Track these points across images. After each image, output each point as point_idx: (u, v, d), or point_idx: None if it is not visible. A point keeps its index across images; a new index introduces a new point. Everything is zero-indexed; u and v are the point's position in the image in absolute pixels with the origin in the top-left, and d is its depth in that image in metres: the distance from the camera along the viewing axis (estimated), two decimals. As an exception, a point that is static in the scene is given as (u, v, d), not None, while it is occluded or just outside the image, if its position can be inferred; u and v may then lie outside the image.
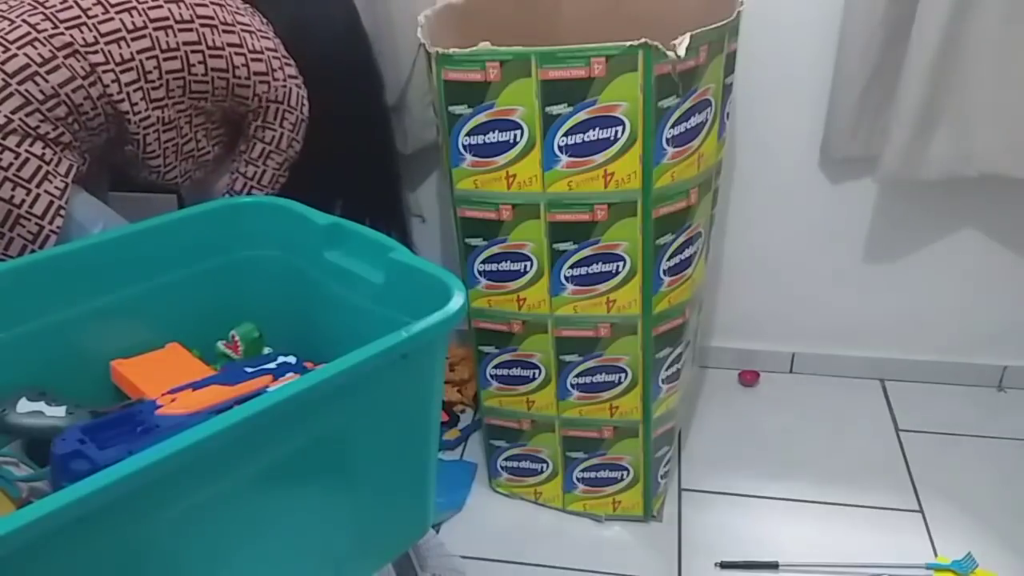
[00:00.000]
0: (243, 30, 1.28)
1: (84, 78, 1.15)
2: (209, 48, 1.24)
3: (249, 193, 1.37)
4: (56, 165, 1.15)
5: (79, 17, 1.15)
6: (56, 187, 1.14)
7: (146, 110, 1.22)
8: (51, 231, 1.14)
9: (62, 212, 1.15)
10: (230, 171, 1.38)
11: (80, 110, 1.16)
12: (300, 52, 1.37)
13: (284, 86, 1.32)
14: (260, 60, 1.29)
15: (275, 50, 1.32)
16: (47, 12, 1.14)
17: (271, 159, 1.36)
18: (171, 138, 1.28)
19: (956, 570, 1.42)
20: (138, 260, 1.10)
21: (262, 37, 1.31)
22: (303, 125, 1.37)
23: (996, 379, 1.86)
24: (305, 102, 1.36)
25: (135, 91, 1.20)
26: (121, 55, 1.17)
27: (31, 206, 1.12)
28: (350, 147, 1.50)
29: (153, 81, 1.21)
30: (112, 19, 1.17)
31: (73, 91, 1.14)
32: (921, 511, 1.56)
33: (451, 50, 1.19)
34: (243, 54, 1.27)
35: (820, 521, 1.54)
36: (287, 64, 1.34)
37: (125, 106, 1.20)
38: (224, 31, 1.25)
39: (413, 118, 1.69)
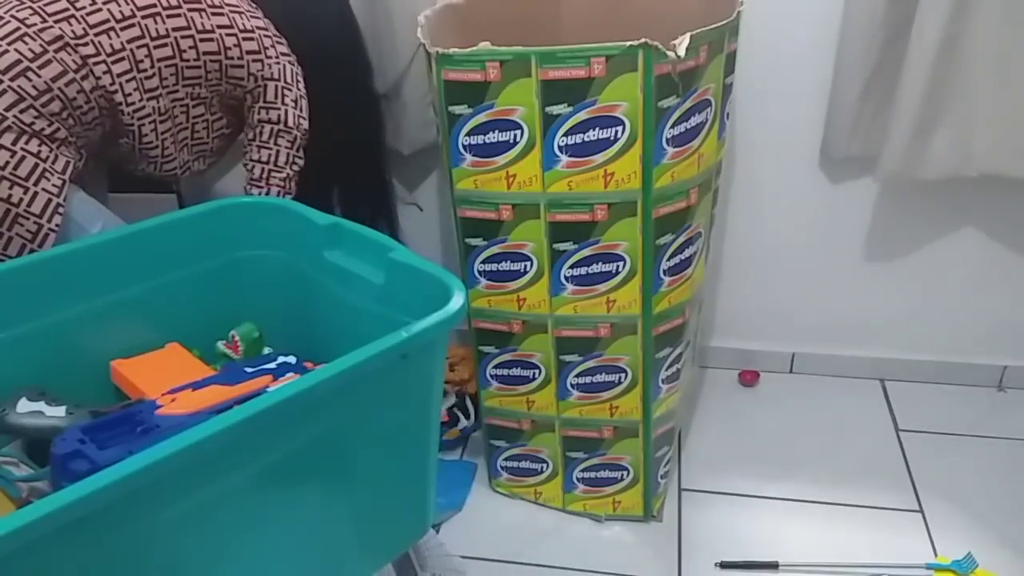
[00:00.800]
0: (232, 11, 1.28)
1: (76, 71, 1.15)
2: (199, 32, 1.24)
3: (268, 178, 1.36)
4: (53, 162, 1.14)
5: (67, 9, 1.15)
6: (54, 185, 1.14)
7: (140, 100, 1.22)
8: (50, 229, 1.14)
9: (60, 210, 1.14)
10: (243, 163, 1.37)
11: (74, 104, 1.16)
12: (291, 36, 1.36)
13: (278, 63, 1.32)
14: (251, 39, 1.29)
15: (266, 28, 1.32)
16: (35, 6, 1.14)
17: (281, 138, 1.34)
18: (168, 128, 1.28)
19: (956, 570, 1.42)
20: (138, 260, 1.10)
21: (251, 16, 1.31)
22: (303, 102, 1.36)
23: (996, 379, 1.86)
24: (300, 79, 1.36)
25: (128, 81, 1.20)
26: (111, 45, 1.17)
27: (29, 204, 1.12)
28: (339, 133, 1.49)
29: (145, 70, 1.21)
30: (100, 10, 1.17)
31: (66, 85, 1.14)
32: (921, 511, 1.56)
33: (451, 50, 1.19)
34: (234, 34, 1.27)
35: (820, 521, 1.54)
36: (278, 42, 1.34)
37: (119, 97, 1.19)
38: (213, 13, 1.25)
39: (412, 118, 1.69)
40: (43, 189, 1.13)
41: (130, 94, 1.20)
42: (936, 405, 1.82)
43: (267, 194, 1.36)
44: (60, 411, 0.96)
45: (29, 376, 1.01)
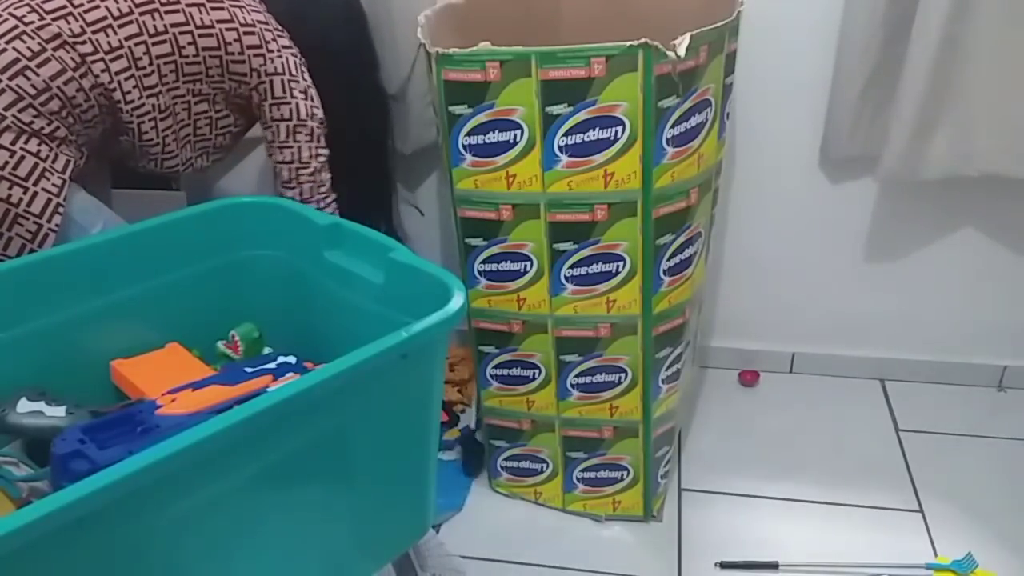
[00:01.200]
0: (232, 5, 1.27)
1: (75, 69, 1.15)
2: (198, 28, 1.23)
3: (297, 177, 1.35)
4: (52, 162, 1.14)
5: (65, 7, 1.15)
6: (54, 184, 1.14)
7: (139, 98, 1.21)
8: (50, 229, 1.14)
9: (60, 210, 1.14)
10: (273, 167, 1.37)
11: (73, 103, 1.16)
12: (296, 28, 1.36)
13: (280, 56, 1.31)
14: (252, 33, 1.28)
15: (266, 22, 1.32)
16: (33, 4, 1.14)
17: (299, 133, 1.33)
18: (168, 125, 1.27)
19: (956, 570, 1.42)
20: (138, 260, 1.10)
21: (252, 10, 1.30)
22: (313, 91, 1.35)
23: (996, 379, 1.86)
24: (304, 69, 1.35)
25: (127, 79, 1.19)
26: (109, 43, 1.17)
27: (29, 204, 1.12)
28: (342, 127, 1.49)
29: (144, 67, 1.20)
30: (98, 7, 1.17)
31: (65, 83, 1.14)
32: (921, 511, 1.56)
33: (451, 50, 1.19)
34: (235, 29, 1.26)
35: (820, 521, 1.54)
36: (280, 35, 1.33)
37: (118, 95, 1.19)
38: (212, 8, 1.25)
39: (413, 117, 1.69)
40: (43, 189, 1.13)
41: (129, 92, 1.20)
42: (936, 405, 1.82)
43: (300, 195, 1.35)
44: (60, 411, 0.96)
45: (29, 376, 1.01)
